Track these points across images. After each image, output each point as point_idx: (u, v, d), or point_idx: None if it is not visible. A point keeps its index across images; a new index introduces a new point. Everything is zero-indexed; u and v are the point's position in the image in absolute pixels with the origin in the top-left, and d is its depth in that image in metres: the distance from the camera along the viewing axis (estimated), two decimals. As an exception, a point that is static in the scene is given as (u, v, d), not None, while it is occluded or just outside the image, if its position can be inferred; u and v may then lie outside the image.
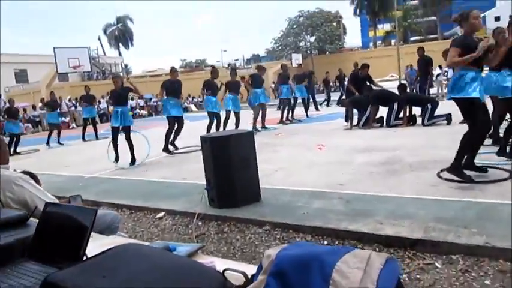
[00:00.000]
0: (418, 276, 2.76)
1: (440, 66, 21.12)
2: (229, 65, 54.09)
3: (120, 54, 47.79)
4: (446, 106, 8.76)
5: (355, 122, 9.82)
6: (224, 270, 1.08)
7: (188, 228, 4.14)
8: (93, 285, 0.91)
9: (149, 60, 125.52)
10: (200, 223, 4.16)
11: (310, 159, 6.63)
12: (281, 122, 12.57)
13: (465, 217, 3.41)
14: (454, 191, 4.19)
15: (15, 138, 12.05)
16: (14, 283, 1.18)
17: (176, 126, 8.73)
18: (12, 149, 11.56)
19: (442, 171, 4.83)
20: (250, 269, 1.15)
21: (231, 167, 4.29)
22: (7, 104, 18.00)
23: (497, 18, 48.06)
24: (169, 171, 6.72)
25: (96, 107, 14.80)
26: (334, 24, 45.97)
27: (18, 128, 12.88)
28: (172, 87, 8.74)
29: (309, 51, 44.14)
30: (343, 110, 10.69)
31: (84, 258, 1.21)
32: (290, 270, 0.86)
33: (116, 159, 7.72)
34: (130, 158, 7.65)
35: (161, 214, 4.62)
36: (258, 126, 11.08)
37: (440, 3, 43.67)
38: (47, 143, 13.09)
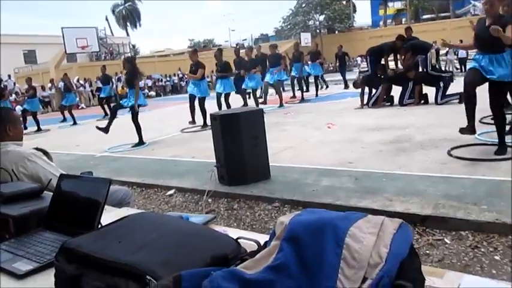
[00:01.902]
0: (428, 252, 2.77)
1: (449, 45, 20.77)
2: (237, 44, 53.71)
3: (127, 34, 47.60)
4: (457, 85, 8.67)
5: (366, 101, 9.73)
6: (237, 238, 1.10)
7: (198, 205, 4.18)
8: (109, 250, 0.93)
9: (157, 40, 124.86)
10: (210, 200, 4.20)
11: (319, 138, 6.62)
12: (293, 97, 12.74)
13: (475, 194, 3.40)
14: (464, 168, 4.16)
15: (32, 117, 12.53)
16: (31, 250, 1.20)
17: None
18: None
19: (452, 149, 4.80)
20: (262, 238, 1.16)
21: (240, 145, 4.29)
22: (17, 85, 18.09)
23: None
24: (178, 150, 6.75)
25: (112, 86, 14.97)
26: (344, 2, 45.22)
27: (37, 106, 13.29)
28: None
29: (318, 30, 43.58)
30: (352, 89, 10.58)
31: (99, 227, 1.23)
32: (303, 234, 0.86)
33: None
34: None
35: (171, 191, 4.67)
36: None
37: (453, -19, 42.74)
38: (74, 122, 13.32)
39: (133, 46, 48.92)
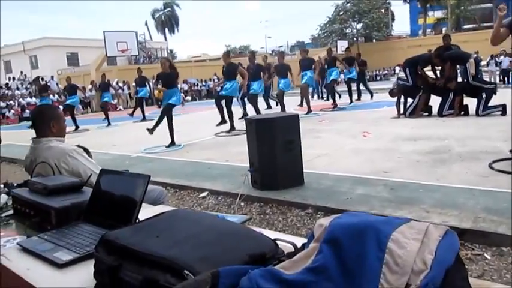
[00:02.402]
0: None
1: (492, 56, 20.21)
2: (273, 51, 53.86)
3: (166, 39, 48.59)
4: (500, 97, 8.39)
5: (402, 110, 9.54)
6: (274, 239, 1.08)
7: (230, 208, 4.18)
8: (147, 243, 0.93)
9: (194, 45, 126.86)
10: (242, 204, 4.20)
11: (353, 146, 6.53)
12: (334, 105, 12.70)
13: (517, 209, 3.26)
14: (507, 182, 3.99)
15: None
16: (72, 241, 1.23)
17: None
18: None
19: (494, 162, 4.63)
20: (299, 241, 1.14)
21: (275, 150, 4.28)
22: (59, 85, 18.81)
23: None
24: (212, 153, 6.81)
25: (149, 88, 15.48)
26: (382, 10, 44.58)
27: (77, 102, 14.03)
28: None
29: (355, 38, 43.16)
30: (389, 98, 10.39)
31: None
32: (344, 237, 0.84)
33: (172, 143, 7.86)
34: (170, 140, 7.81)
35: (204, 194, 4.71)
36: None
37: (497, -10, 41.46)
38: (108, 123, 13.72)
39: (171, 51, 49.89)
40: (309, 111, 11.37)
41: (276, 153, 4.29)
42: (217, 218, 1.14)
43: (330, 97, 13.09)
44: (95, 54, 24.92)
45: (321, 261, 0.83)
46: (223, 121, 8.98)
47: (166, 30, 49.56)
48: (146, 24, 46.40)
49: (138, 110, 14.58)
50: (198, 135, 8.85)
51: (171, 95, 7.86)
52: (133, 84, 19.14)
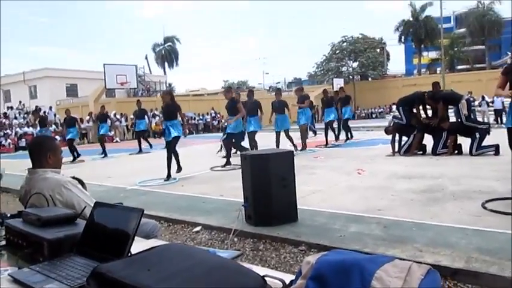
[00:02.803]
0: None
1: (483, 96, 20.67)
2: (270, 87, 54.57)
3: (165, 73, 49.23)
4: (492, 136, 8.52)
5: (397, 148, 9.63)
6: (263, 276, 1.10)
7: (224, 243, 4.16)
8: (139, 277, 0.95)
9: (192, 79, 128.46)
10: (236, 239, 4.18)
11: (348, 183, 6.56)
12: (326, 144, 12.74)
13: (510, 250, 3.27)
14: (500, 222, 4.02)
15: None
16: (63, 274, 1.24)
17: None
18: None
19: (487, 201, 4.66)
20: (288, 277, 1.16)
21: (269, 186, 4.31)
22: (57, 116, 19.02)
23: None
24: (207, 187, 6.81)
25: (148, 121, 15.68)
26: (378, 50, 45.62)
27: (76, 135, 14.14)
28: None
29: (351, 77, 43.92)
30: (384, 135, 10.50)
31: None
32: (330, 274, 0.87)
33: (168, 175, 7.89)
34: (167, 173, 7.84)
35: (198, 228, 4.69)
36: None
37: (489, 33, 42.62)
38: (105, 155, 13.77)
39: (170, 84, 50.40)
40: (304, 147, 11.45)
41: (270, 189, 4.31)
42: (208, 253, 1.16)
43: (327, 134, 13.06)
44: (94, 85, 25.18)
45: (307, 297, 0.85)
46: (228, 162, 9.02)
47: (166, 64, 50.32)
48: (146, 58, 47.09)
49: (143, 141, 14.76)
50: (194, 169, 8.86)
51: (174, 128, 7.92)
52: (132, 116, 19.34)
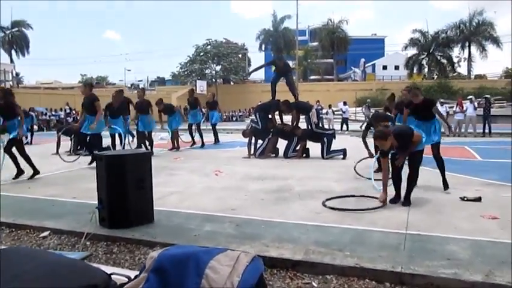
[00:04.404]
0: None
1: (329, 105, 23.33)
2: (132, 85, 52.80)
3: (12, 61, 44.29)
4: (340, 141, 9.61)
5: (252, 151, 10.20)
6: (110, 274, 1.16)
7: (75, 248, 3.97)
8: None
9: (45, 71, 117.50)
10: (88, 243, 4.04)
11: (206, 184, 6.77)
12: (193, 143, 13.08)
13: (341, 241, 3.77)
14: (335, 218, 4.59)
15: None
16: None
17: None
18: None
19: (327, 200, 5.25)
20: (134, 274, 1.24)
21: (125, 187, 4.25)
22: None
23: (384, 67, 53.64)
24: (58, 189, 6.39)
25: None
26: (240, 55, 47.44)
27: None
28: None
29: (214, 79, 44.83)
30: (242, 138, 11.04)
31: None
32: (169, 266, 0.98)
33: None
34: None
35: (46, 233, 4.39)
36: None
37: (337, 48, 47.40)
38: None
39: (17, 74, 45.55)
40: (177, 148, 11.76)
41: (125, 190, 4.25)
42: (51, 253, 1.18)
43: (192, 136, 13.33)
44: None
45: (147, 288, 0.95)
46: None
47: (14, 51, 45.36)
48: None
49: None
50: (44, 169, 8.20)
51: (11, 128, 7.23)
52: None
